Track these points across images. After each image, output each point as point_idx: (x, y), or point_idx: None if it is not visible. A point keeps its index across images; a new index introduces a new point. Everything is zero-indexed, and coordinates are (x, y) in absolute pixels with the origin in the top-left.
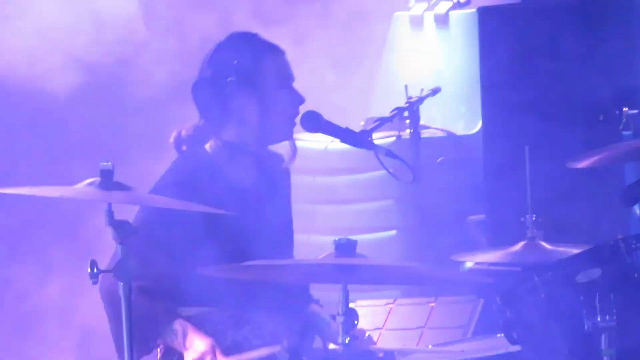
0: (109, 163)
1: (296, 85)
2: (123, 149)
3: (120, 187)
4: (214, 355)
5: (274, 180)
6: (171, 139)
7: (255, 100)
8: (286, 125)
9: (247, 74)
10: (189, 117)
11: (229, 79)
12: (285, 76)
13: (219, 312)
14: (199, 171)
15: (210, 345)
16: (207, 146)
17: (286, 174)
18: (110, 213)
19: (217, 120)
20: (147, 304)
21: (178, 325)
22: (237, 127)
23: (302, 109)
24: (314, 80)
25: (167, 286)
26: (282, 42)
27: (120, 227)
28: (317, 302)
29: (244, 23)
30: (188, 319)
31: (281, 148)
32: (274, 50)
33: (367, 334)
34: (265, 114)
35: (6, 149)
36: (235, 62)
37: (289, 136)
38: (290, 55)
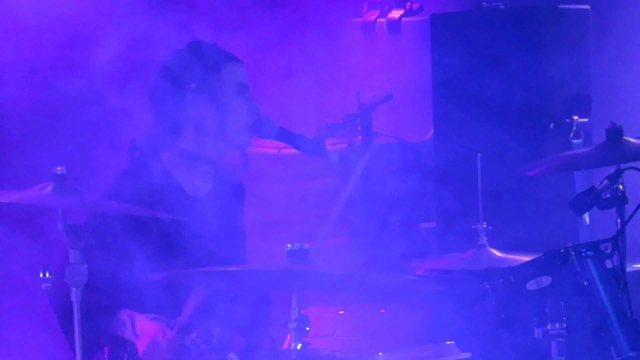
0: (62, 168)
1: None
2: (78, 154)
3: (74, 192)
4: (164, 334)
5: (228, 190)
6: (126, 145)
7: (214, 108)
8: (243, 135)
9: (207, 82)
10: (146, 124)
11: (188, 86)
12: (243, 85)
13: (166, 318)
14: (150, 180)
15: (159, 326)
16: (163, 155)
17: (240, 185)
18: (63, 218)
19: (174, 127)
20: (92, 298)
21: (125, 315)
22: (194, 135)
23: None
24: (268, 86)
25: (114, 291)
26: (237, 51)
27: (73, 232)
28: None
29: (201, 32)
30: None
31: (234, 158)
32: (233, 60)
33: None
34: (222, 123)
35: None
36: (195, 69)
37: (246, 144)
38: (246, 63)
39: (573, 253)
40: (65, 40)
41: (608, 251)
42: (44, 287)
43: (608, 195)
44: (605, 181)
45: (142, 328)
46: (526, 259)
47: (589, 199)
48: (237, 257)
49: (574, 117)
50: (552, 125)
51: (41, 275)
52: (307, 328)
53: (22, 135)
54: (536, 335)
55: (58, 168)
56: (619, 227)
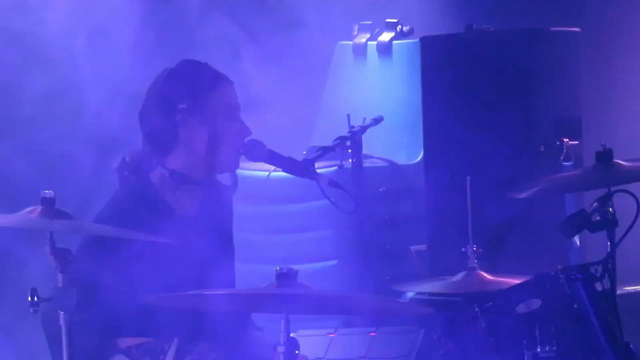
0: (51, 191)
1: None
2: (67, 176)
3: (62, 215)
4: None
5: (217, 210)
6: (115, 165)
7: (205, 129)
8: (232, 156)
9: (197, 102)
10: (135, 143)
11: (179, 106)
12: (234, 107)
13: (160, 342)
14: (140, 203)
15: None
16: (152, 175)
17: (228, 205)
18: (51, 241)
19: (164, 147)
20: (87, 339)
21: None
22: (183, 155)
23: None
24: (257, 108)
25: (108, 317)
26: (228, 74)
27: (61, 256)
28: (260, 329)
29: (195, 55)
30: (129, 349)
31: (222, 178)
32: (224, 80)
33: None
34: (213, 144)
35: None
36: (186, 89)
37: (235, 166)
38: (235, 85)
39: (563, 276)
40: (58, 58)
41: (598, 274)
42: (32, 311)
43: (598, 218)
44: (595, 204)
45: None
46: (516, 281)
47: (579, 222)
48: (226, 277)
49: (565, 140)
50: (542, 148)
51: (29, 299)
52: (297, 352)
53: (10, 158)
54: (526, 358)
55: (46, 191)
56: (609, 249)
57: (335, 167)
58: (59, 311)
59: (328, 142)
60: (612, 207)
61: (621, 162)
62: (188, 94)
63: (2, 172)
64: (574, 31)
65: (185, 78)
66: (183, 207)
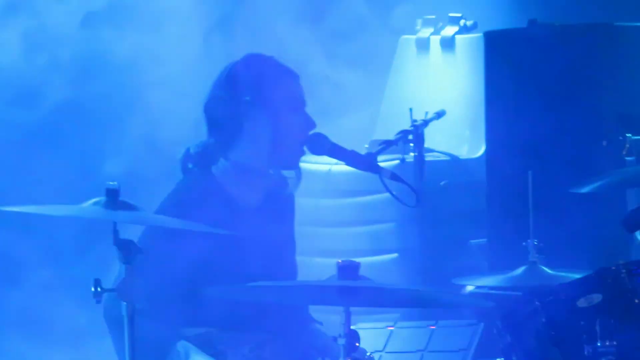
0: (115, 182)
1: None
2: (129, 166)
3: (126, 206)
4: None
5: (279, 203)
6: (179, 156)
7: (269, 121)
8: (296, 150)
9: (263, 95)
10: (198, 135)
11: (243, 99)
12: (299, 100)
13: (219, 332)
14: (202, 195)
15: None
16: (214, 167)
17: (290, 197)
18: (115, 232)
19: (228, 139)
20: (150, 325)
21: (181, 347)
22: (247, 147)
23: None
24: (320, 102)
25: (169, 307)
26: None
27: (125, 247)
28: (319, 322)
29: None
30: (188, 339)
31: (287, 172)
32: (290, 74)
33: (368, 354)
34: (277, 137)
35: (18, 166)
36: (251, 82)
37: (295, 165)
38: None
39: (624, 271)
40: (123, 55)
41: None
42: (95, 301)
43: None
44: None
45: None
46: (577, 276)
47: None
48: (287, 269)
49: (628, 135)
50: (605, 143)
51: (92, 289)
52: (357, 344)
53: (76, 149)
54: (586, 353)
55: (110, 182)
56: None
57: (398, 161)
58: (122, 302)
59: (390, 136)
60: None
61: None
62: (252, 87)
63: (90, 170)
64: (638, 26)
65: (250, 71)
66: (245, 199)
